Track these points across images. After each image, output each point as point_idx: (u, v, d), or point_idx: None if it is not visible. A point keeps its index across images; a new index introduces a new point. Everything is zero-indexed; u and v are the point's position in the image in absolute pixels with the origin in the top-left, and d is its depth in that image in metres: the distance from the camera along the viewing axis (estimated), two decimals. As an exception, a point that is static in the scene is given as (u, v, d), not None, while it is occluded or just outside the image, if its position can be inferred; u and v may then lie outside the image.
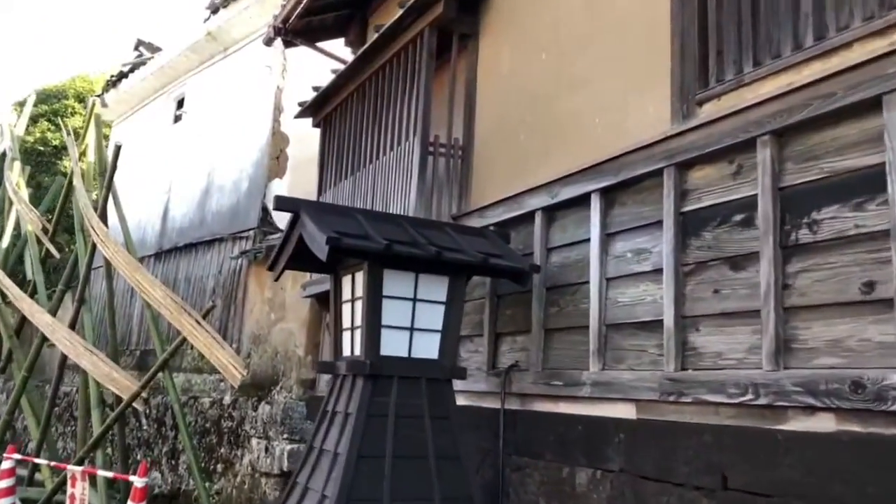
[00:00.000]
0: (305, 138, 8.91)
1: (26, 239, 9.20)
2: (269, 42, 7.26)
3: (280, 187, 8.81)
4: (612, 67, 3.71)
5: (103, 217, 7.25)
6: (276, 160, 8.78)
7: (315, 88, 6.54)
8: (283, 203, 3.63)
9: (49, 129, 17.05)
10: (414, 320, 3.56)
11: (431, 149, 4.86)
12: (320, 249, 3.28)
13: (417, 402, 3.48)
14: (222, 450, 7.36)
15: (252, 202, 8.72)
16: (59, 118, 16.08)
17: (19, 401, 7.72)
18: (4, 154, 10.77)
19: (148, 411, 7.78)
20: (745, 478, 2.54)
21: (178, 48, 10.53)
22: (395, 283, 3.52)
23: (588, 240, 3.62)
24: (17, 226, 9.79)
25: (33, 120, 16.13)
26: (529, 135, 4.27)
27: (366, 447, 3.28)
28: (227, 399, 7.59)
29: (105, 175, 7.37)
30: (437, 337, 3.62)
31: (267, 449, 6.73)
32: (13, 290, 8.15)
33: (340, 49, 7.64)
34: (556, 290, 3.81)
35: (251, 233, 8.49)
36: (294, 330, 7.14)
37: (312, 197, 8.89)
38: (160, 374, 6.72)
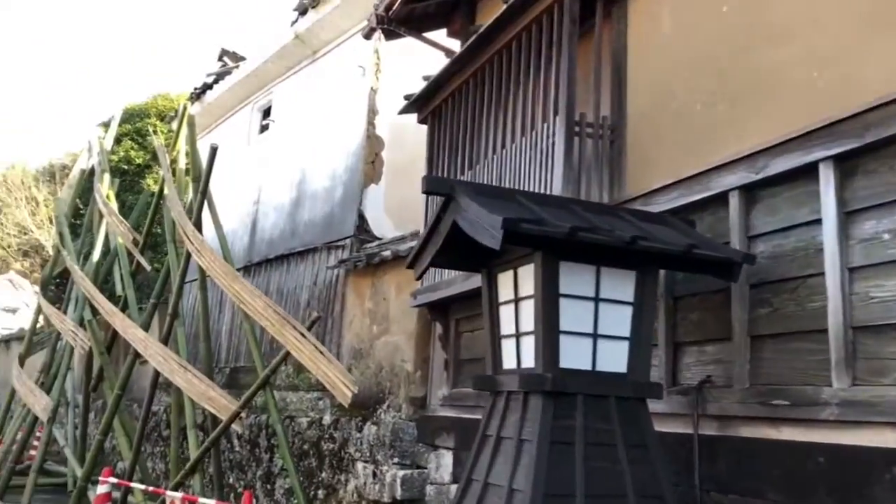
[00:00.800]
0: (400, 141, 8.42)
1: (116, 253, 8.94)
2: (368, 34, 6.77)
3: (376, 193, 8.31)
4: (833, 9, 2.97)
5: (198, 225, 6.85)
6: (372, 165, 8.28)
7: (425, 78, 5.98)
8: (433, 184, 3.03)
9: (133, 148, 17.18)
10: (597, 325, 2.89)
11: (577, 129, 4.19)
12: (490, 236, 2.65)
13: (608, 426, 2.79)
14: (323, 474, 6.80)
15: (347, 210, 8.23)
16: (144, 136, 16.17)
17: (112, 420, 7.36)
18: (93, 170, 10.66)
19: (241, 432, 7.30)
20: None
21: (265, 55, 10.21)
22: (574, 278, 2.86)
23: (816, 221, 2.87)
24: (107, 241, 9.60)
25: (117, 140, 16.25)
26: (710, 103, 3.56)
27: (552, 483, 2.61)
28: (328, 419, 7.05)
29: (200, 180, 6.98)
30: (625, 346, 2.93)
31: (375, 474, 6.12)
32: (105, 305, 7.85)
33: (442, 40, 7.09)
34: (767, 287, 3.07)
35: (347, 241, 7.99)
36: (400, 343, 6.55)
37: (413, 202, 8.37)
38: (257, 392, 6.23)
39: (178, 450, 7.21)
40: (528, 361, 2.89)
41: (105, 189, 9.13)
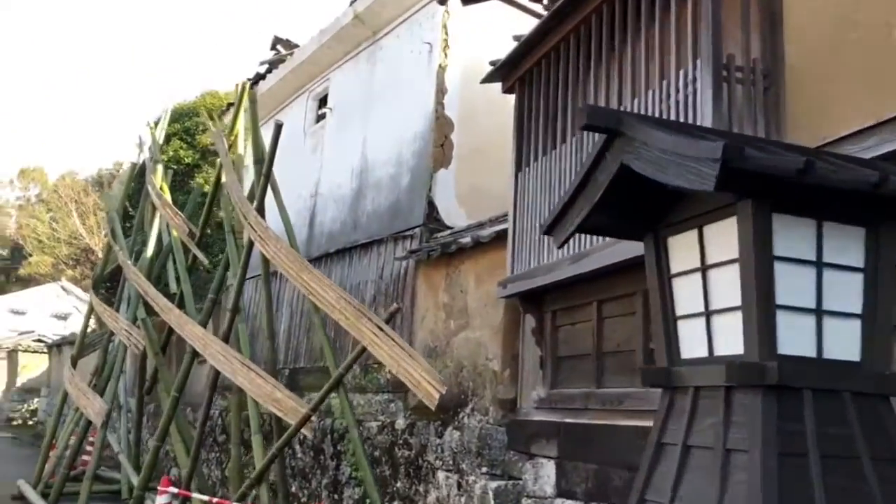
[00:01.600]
0: (471, 123, 7.79)
1: (170, 248, 8.48)
2: (444, -1, 6.14)
3: (446, 180, 7.67)
4: None
5: (260, 211, 6.30)
6: (441, 148, 7.64)
7: (516, 38, 5.34)
8: (595, 116, 2.33)
9: (182, 148, 16.89)
10: (821, 298, 2.17)
11: (725, 73, 3.48)
12: (694, 174, 1.96)
13: (846, 432, 2.08)
14: (399, 483, 6.17)
15: (415, 197, 7.61)
16: (193, 135, 15.86)
17: (169, 425, 6.84)
18: (143, 165, 10.27)
19: (310, 437, 6.72)
20: None
21: (321, 39, 9.68)
22: (790, 236, 2.15)
23: None
24: (159, 238, 9.16)
25: (166, 139, 15.95)
26: (918, 25, 2.82)
27: (786, 509, 1.91)
28: (401, 423, 6.42)
29: (262, 162, 6.42)
30: (857, 325, 2.21)
31: (460, 485, 5.47)
32: (160, 301, 7.37)
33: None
34: None
35: (416, 231, 7.37)
36: (484, 339, 5.88)
37: (486, 189, 7.73)
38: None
39: (239, 458, 6.66)
40: (730, 347, 2.19)
41: (158, 181, 8.67)
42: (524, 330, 5.49)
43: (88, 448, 9.51)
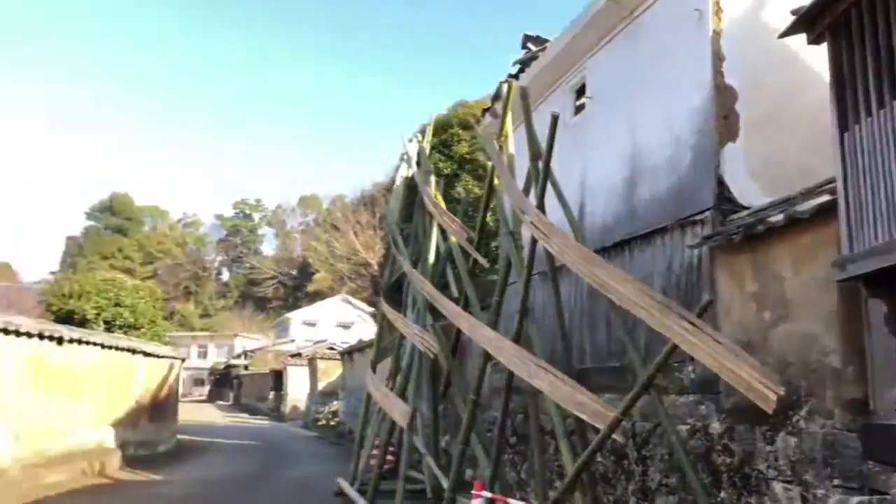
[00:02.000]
0: (756, 89, 6.95)
1: (448, 253, 8.72)
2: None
3: (733, 155, 6.90)
4: None
5: (541, 208, 6.13)
6: (725, 120, 6.89)
7: (828, -25, 4.54)
8: None
9: (440, 160, 17.67)
10: None
11: None
12: None
13: None
14: (722, 494, 5.60)
15: (700, 177, 6.95)
16: (449, 146, 16.53)
17: (472, 428, 6.95)
18: (413, 179, 10.75)
19: (623, 442, 6.40)
20: None
21: (573, 29, 9.37)
22: None
23: None
24: (437, 245, 9.51)
25: (426, 151, 16.78)
26: None
27: None
28: (717, 427, 5.83)
29: (539, 159, 6.27)
30: None
31: (805, 499, 4.77)
32: (448, 307, 7.55)
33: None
34: None
35: (706, 214, 6.71)
36: (813, 331, 5.10)
37: (784, 159, 6.84)
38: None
39: (543, 461, 6.56)
40: None
41: (432, 190, 8.98)
42: (869, 318, 4.65)
43: (389, 448, 10.16)
